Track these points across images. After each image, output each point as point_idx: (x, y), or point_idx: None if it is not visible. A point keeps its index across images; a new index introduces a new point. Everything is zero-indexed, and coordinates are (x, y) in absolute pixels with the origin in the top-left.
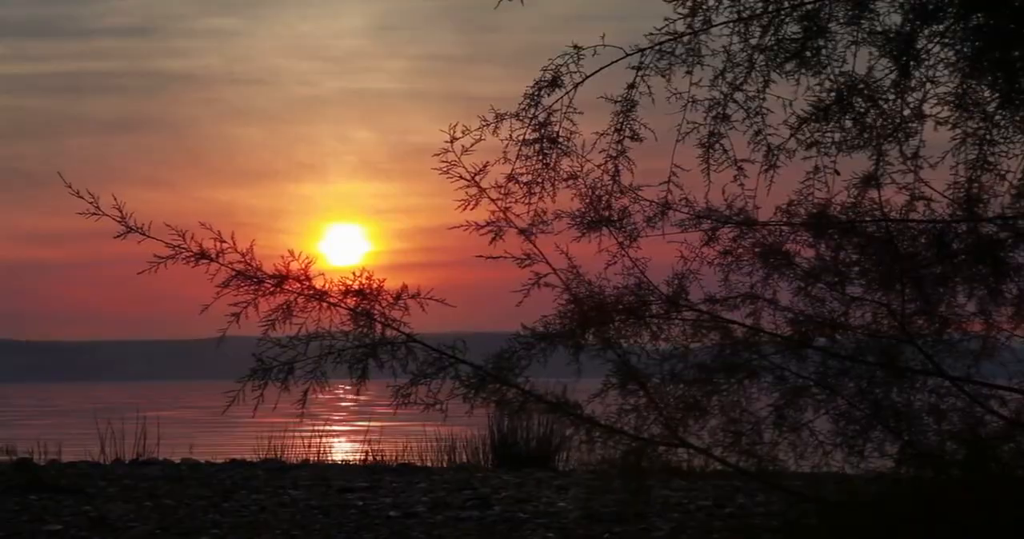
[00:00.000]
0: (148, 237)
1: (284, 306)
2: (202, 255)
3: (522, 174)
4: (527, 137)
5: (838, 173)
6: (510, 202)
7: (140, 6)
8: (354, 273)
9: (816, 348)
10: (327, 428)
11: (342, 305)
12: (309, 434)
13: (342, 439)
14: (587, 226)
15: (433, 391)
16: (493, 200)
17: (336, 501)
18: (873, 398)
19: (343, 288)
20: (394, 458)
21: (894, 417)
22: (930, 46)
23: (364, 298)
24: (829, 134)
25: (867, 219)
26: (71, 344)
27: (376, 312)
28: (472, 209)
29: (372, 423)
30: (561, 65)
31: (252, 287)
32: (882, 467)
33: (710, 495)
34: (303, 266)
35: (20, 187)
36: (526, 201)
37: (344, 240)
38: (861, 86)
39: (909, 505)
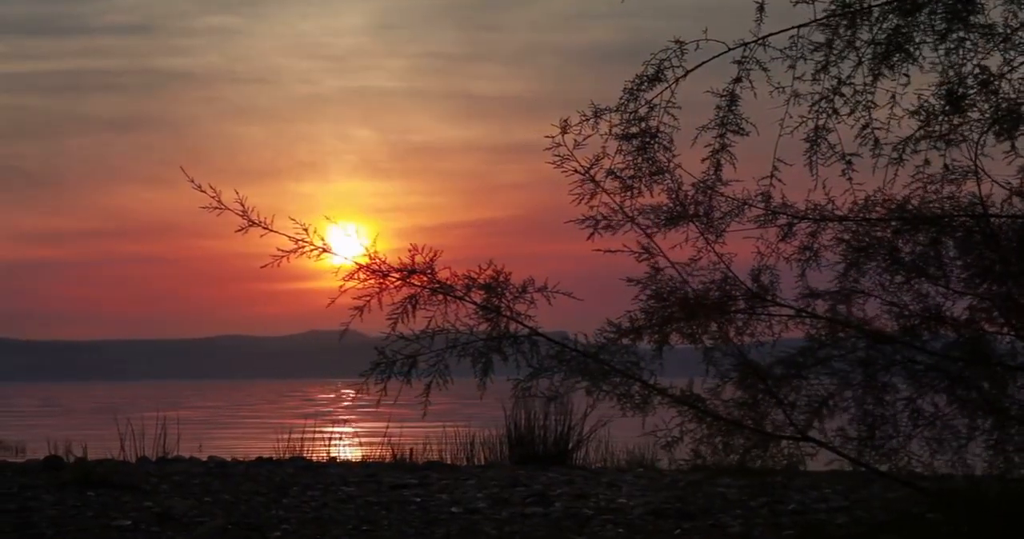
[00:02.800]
0: (270, 231)
1: (410, 299)
2: (325, 249)
3: (622, 169)
4: (627, 131)
5: (947, 167)
6: (608, 197)
7: (140, 4)
8: (480, 267)
9: (924, 349)
10: (341, 429)
11: (467, 299)
12: (329, 433)
13: (349, 439)
14: (671, 221)
15: (555, 385)
16: (609, 194)
17: (393, 497)
18: (992, 395)
19: (468, 281)
20: (412, 457)
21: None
22: None
23: (491, 292)
24: (947, 127)
25: (962, 215)
26: (71, 344)
27: (503, 306)
28: (587, 202)
29: (391, 423)
30: (664, 60)
31: (377, 280)
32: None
33: (764, 492)
34: (427, 259)
35: (20, 187)
36: (627, 195)
37: (345, 238)
38: (986, 77)
39: None
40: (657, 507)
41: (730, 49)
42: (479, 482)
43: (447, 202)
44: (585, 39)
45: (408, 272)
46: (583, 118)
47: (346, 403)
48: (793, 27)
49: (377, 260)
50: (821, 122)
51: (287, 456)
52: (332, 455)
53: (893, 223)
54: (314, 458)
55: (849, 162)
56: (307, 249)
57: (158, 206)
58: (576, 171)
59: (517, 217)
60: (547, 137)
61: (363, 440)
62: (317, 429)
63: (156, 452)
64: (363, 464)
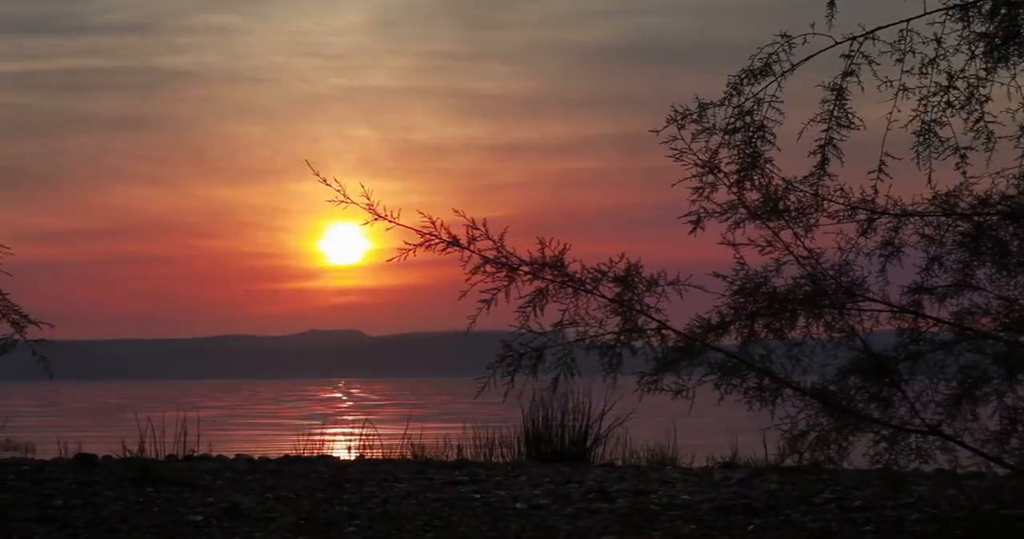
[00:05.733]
0: (397, 224)
1: (538, 293)
2: (453, 242)
3: (727, 162)
4: (732, 125)
5: None
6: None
7: (140, 3)
8: (611, 260)
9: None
10: (361, 430)
11: (597, 293)
12: (345, 432)
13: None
14: (766, 215)
15: (684, 378)
16: (728, 187)
17: (453, 494)
18: None
19: (597, 274)
20: (461, 453)
21: None
22: None
23: (625, 285)
24: None
25: None
26: (71, 344)
27: (633, 299)
28: (707, 196)
29: (394, 423)
30: (771, 54)
31: (505, 274)
32: None
33: (823, 489)
34: (557, 252)
35: (20, 187)
36: (734, 189)
37: (344, 238)
38: None
39: None
40: (722, 503)
41: (837, 43)
42: (530, 479)
43: (447, 201)
44: (586, 38)
45: (539, 265)
46: (686, 112)
47: (349, 403)
48: (902, 21)
49: (505, 253)
50: (932, 116)
51: (315, 454)
52: (359, 453)
53: (994, 216)
54: (341, 457)
55: (964, 156)
56: (434, 242)
57: (158, 206)
58: (696, 164)
59: (517, 217)
60: (651, 131)
61: (383, 440)
62: (330, 429)
63: (179, 451)
64: (388, 461)
